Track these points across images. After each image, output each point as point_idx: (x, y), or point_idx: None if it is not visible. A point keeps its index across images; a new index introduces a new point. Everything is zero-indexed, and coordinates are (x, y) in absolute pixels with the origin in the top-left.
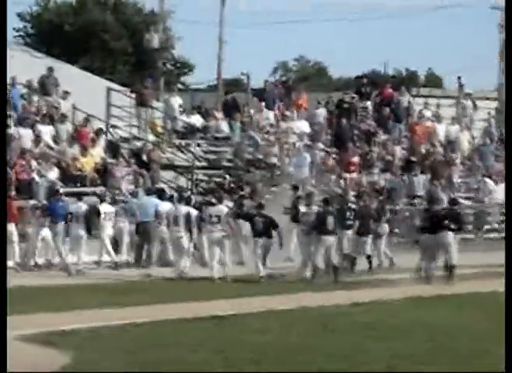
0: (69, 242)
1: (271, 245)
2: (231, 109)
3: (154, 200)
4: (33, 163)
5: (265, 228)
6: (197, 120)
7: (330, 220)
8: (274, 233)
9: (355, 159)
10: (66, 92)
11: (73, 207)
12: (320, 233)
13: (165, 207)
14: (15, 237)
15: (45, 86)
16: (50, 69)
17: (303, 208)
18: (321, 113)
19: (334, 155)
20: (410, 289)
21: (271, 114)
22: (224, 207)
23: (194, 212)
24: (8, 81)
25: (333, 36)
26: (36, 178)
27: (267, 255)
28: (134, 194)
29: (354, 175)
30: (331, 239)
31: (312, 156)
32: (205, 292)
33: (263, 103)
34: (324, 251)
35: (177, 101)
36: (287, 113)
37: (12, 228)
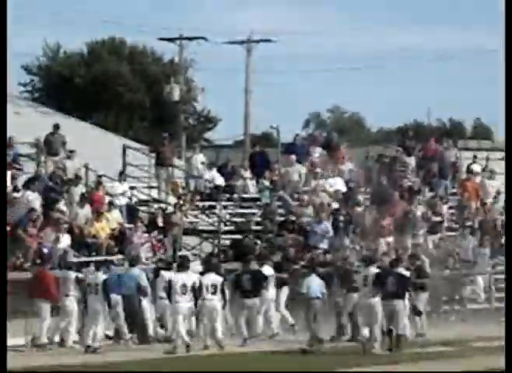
0: (86, 316)
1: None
2: (259, 167)
3: (135, 271)
4: (45, 230)
5: None
6: (221, 179)
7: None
8: None
9: (388, 221)
10: (71, 151)
11: (91, 278)
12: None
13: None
14: (46, 313)
15: (51, 145)
16: (56, 126)
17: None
18: (358, 169)
19: (372, 215)
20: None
21: (302, 171)
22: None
23: (219, 280)
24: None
25: (369, 83)
26: (48, 246)
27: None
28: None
29: (389, 238)
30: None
31: (347, 217)
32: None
33: (293, 157)
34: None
35: (200, 159)
36: (318, 169)
37: (45, 305)
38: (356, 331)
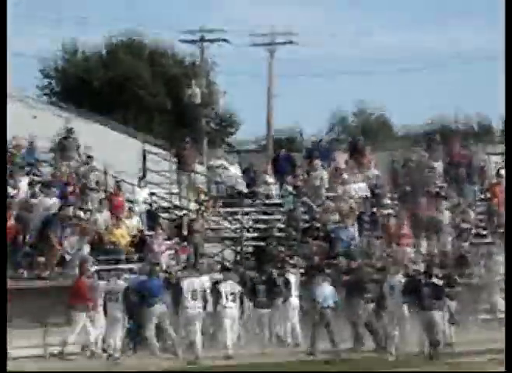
0: (105, 324)
1: None
2: (283, 172)
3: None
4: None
5: None
6: (244, 184)
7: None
8: None
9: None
10: (89, 157)
11: (111, 285)
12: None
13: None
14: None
15: (65, 150)
16: (69, 131)
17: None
18: (382, 173)
19: (398, 221)
20: None
21: (325, 176)
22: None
23: (238, 288)
24: (27, 143)
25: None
26: (68, 253)
27: None
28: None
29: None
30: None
31: (373, 223)
32: None
33: (317, 162)
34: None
35: (220, 163)
36: (345, 175)
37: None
38: (377, 340)
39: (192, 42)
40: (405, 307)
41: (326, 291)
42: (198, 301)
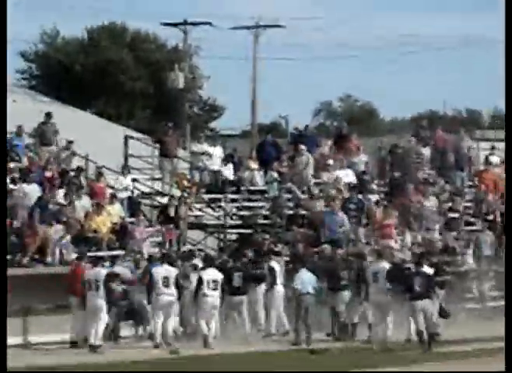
0: (86, 314)
1: None
2: (268, 158)
3: None
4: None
5: None
6: (228, 172)
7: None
8: None
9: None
10: (70, 142)
11: (90, 274)
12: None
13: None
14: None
15: (44, 135)
16: (48, 115)
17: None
18: (369, 160)
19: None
20: None
21: (311, 162)
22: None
23: (220, 276)
24: (12, 128)
25: (381, 72)
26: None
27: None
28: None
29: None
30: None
31: (360, 210)
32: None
33: (303, 147)
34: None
35: (204, 150)
36: (330, 161)
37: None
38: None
39: (175, 25)
40: (389, 294)
41: (305, 278)
42: (170, 288)
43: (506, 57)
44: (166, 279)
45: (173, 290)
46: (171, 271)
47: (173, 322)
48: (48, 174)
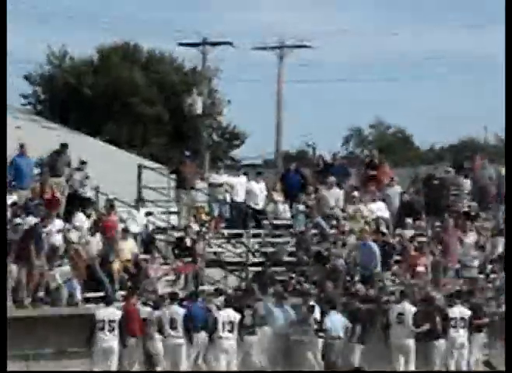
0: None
1: None
2: (294, 189)
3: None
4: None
5: None
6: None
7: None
8: None
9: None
10: (83, 163)
11: (104, 314)
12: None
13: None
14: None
15: (55, 166)
16: (64, 145)
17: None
18: (399, 191)
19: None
20: None
21: (341, 195)
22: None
23: (237, 316)
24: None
25: (416, 94)
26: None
27: None
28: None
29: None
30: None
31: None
32: None
33: (332, 179)
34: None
35: (223, 181)
36: (355, 193)
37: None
38: None
39: (193, 45)
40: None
41: (336, 320)
42: (177, 330)
43: (506, 69)
44: (173, 321)
45: (180, 332)
46: (179, 313)
47: (185, 366)
48: (48, 196)
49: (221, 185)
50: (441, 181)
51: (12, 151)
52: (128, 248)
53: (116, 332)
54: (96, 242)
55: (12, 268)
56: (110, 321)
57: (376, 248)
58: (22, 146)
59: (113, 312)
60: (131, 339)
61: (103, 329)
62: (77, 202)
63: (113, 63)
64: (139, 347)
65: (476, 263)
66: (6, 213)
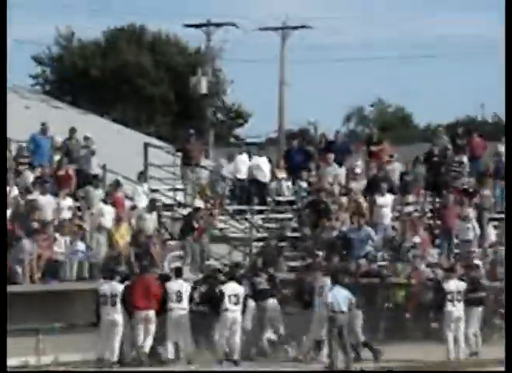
0: (101, 329)
1: None
2: (296, 166)
3: None
4: (58, 238)
5: None
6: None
7: None
8: None
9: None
10: (86, 138)
11: (105, 288)
12: None
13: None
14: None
15: (71, 152)
16: (72, 130)
17: None
18: (399, 168)
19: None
20: None
21: (342, 172)
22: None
23: (241, 290)
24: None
25: (416, 75)
26: (63, 257)
27: None
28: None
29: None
30: None
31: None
32: None
33: (331, 155)
34: None
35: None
36: (358, 170)
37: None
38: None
39: (197, 26)
40: None
41: (339, 295)
42: (183, 302)
43: (506, 58)
44: (179, 293)
45: (185, 304)
46: (184, 286)
47: (189, 338)
48: (62, 173)
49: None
50: (440, 158)
51: (21, 131)
52: (134, 224)
53: (118, 305)
54: (153, 220)
55: (25, 242)
56: (113, 295)
57: (372, 233)
58: (43, 124)
59: (115, 286)
60: (144, 312)
61: (106, 303)
62: (85, 179)
63: (119, 45)
64: (151, 321)
65: (473, 237)
66: (6, 213)
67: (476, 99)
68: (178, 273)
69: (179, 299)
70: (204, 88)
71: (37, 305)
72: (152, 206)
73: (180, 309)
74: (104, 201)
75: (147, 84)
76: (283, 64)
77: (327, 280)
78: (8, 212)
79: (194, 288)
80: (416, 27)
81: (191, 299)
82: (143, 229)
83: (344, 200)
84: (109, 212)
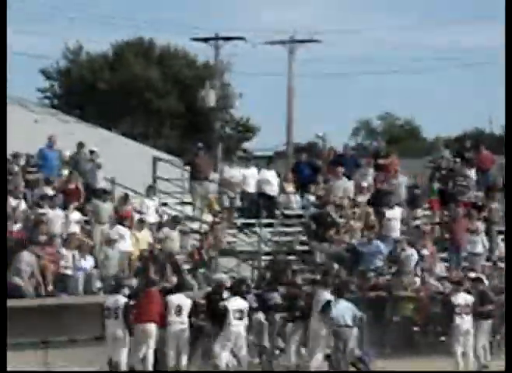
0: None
1: None
2: (304, 180)
3: None
4: (64, 252)
5: None
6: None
7: None
8: None
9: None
10: (92, 152)
11: (110, 301)
12: None
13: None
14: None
15: (79, 167)
16: (80, 145)
17: None
18: (405, 181)
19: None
20: None
21: (350, 185)
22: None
23: (245, 305)
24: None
25: (425, 87)
26: (70, 270)
27: None
28: None
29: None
30: None
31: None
32: None
33: (340, 169)
34: None
35: (238, 172)
36: (364, 184)
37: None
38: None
39: (205, 40)
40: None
41: (344, 308)
42: (182, 316)
43: (506, 65)
44: (179, 308)
45: (185, 318)
46: (185, 300)
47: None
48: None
49: (232, 178)
50: (448, 172)
51: (30, 144)
52: (144, 238)
53: (120, 319)
54: (178, 238)
55: (24, 254)
56: (116, 308)
57: (382, 247)
58: (50, 138)
59: (118, 300)
60: (144, 325)
61: (109, 316)
62: (93, 193)
63: (127, 59)
64: (151, 334)
65: (483, 250)
66: (6, 213)
67: (485, 111)
68: (179, 287)
69: (178, 313)
70: (212, 102)
71: (43, 318)
72: (175, 222)
73: (180, 323)
74: (120, 223)
75: (155, 97)
76: (291, 77)
77: (326, 294)
78: (18, 226)
79: (195, 304)
80: (425, 39)
81: (191, 313)
82: (166, 248)
83: (352, 212)
84: (120, 229)
